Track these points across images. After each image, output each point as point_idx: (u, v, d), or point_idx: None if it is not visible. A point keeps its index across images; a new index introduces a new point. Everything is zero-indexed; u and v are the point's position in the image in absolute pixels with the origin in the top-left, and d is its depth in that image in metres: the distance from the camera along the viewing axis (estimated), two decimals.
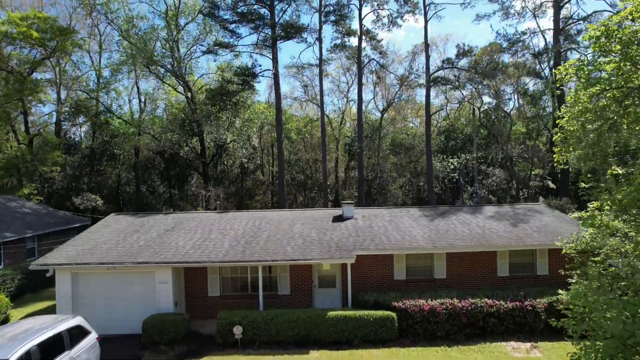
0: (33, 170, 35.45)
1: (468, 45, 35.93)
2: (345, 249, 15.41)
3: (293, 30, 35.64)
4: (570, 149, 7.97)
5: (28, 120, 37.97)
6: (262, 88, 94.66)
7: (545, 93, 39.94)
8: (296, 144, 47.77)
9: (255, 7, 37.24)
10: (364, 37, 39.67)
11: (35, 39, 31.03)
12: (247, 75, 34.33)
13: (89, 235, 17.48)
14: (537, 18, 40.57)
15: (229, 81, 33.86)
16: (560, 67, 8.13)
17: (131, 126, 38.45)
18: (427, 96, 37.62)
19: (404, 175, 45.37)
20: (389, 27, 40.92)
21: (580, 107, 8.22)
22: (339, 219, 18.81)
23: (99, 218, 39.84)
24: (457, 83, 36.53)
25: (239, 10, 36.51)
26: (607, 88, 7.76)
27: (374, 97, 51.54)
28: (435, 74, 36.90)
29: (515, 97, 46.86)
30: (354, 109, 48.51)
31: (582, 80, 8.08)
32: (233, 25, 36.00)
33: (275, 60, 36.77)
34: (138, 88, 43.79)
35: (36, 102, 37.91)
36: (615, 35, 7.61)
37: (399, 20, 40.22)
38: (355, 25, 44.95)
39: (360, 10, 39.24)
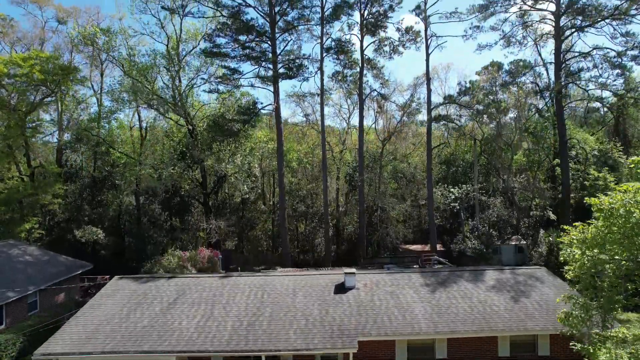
0: (34, 203, 35.47)
1: (469, 81, 36.12)
2: (347, 334, 15.51)
3: (295, 68, 35.74)
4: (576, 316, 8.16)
5: (29, 153, 37.97)
6: (263, 112, 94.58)
7: (547, 127, 39.98)
8: (297, 172, 47.78)
9: (257, 39, 37.21)
10: (365, 65, 39.65)
11: (38, 80, 31.05)
12: (249, 114, 34.41)
13: (92, 310, 17.52)
14: (539, 46, 40.59)
15: (231, 120, 33.90)
16: (567, 232, 8.25)
17: (132, 158, 38.50)
18: (429, 132, 37.73)
19: (405, 202, 45.35)
20: (390, 55, 40.92)
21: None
22: (341, 288, 18.88)
23: (101, 252, 40.06)
24: (459, 123, 36.69)
25: (242, 42, 36.43)
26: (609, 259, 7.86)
27: (374, 123, 51.65)
28: (437, 111, 37.06)
29: (515, 124, 46.83)
30: (355, 135, 48.53)
31: (588, 245, 8.17)
32: (234, 63, 36.03)
33: (276, 94, 36.78)
34: (139, 115, 43.91)
35: (38, 135, 37.97)
36: (618, 212, 7.70)
37: (400, 48, 40.25)
38: (356, 55, 44.98)
39: (361, 42, 39.23)
